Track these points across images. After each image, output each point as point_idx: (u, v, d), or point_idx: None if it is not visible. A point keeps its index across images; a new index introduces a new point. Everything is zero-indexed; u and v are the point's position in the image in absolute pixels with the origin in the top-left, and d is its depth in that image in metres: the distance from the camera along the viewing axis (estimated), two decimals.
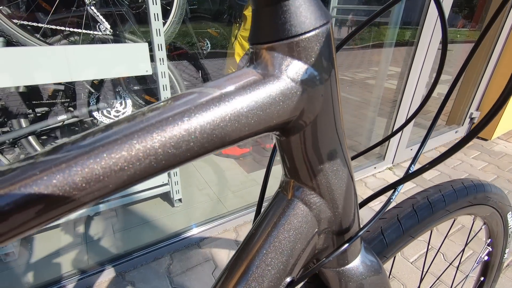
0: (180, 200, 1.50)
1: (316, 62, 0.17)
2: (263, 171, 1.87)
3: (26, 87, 1.20)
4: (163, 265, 1.16)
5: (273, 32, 0.16)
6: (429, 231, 0.38)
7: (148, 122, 0.15)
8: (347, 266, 0.27)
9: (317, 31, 0.16)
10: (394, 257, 0.33)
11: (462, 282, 0.94)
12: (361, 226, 0.25)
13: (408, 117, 0.31)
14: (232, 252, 1.23)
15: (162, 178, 1.42)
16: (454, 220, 0.44)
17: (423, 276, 0.51)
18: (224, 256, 1.21)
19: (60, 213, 0.14)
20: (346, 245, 0.24)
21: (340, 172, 0.22)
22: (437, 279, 0.89)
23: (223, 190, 1.65)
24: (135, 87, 1.71)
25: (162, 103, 0.16)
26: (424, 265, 0.55)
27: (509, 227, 0.55)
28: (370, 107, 2.24)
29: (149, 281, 1.09)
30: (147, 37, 1.87)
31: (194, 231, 1.30)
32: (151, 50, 1.15)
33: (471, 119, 2.44)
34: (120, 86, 1.37)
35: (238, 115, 0.16)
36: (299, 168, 0.21)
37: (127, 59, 1.13)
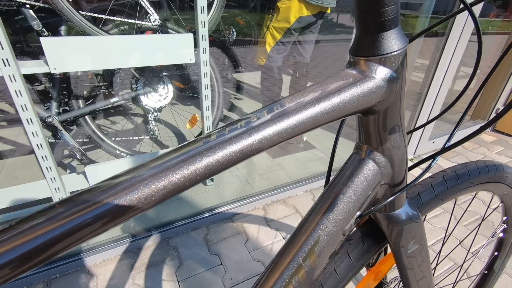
0: (212, 179, 1.63)
1: (396, 69, 0.26)
2: (287, 156, 1.97)
3: (84, 72, 1.34)
4: (201, 234, 1.30)
5: (371, 51, 0.26)
6: (454, 199, 0.47)
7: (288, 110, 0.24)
8: (394, 212, 0.37)
9: (398, 52, 0.26)
10: (425, 217, 0.43)
11: (479, 252, 1.03)
12: (408, 183, 0.35)
13: (445, 108, 0.38)
14: (262, 227, 1.36)
15: None
16: (475, 195, 0.53)
17: (445, 240, 0.61)
18: (254, 230, 1.34)
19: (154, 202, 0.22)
20: (398, 193, 0.34)
21: (399, 143, 0.32)
22: (460, 243, 0.97)
23: (250, 173, 1.77)
24: (170, 74, 1.83)
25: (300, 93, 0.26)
26: (446, 230, 0.63)
27: None
28: None
29: (190, 247, 1.24)
30: (191, 27, 1.98)
31: (227, 207, 1.43)
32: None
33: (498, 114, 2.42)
34: (162, 72, 1.50)
35: (343, 101, 0.26)
36: (372, 137, 0.31)
37: (174, 48, 1.24)
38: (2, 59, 0.96)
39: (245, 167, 1.82)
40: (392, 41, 0.25)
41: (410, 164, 0.38)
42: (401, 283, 0.50)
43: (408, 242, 0.38)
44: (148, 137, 1.54)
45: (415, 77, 2.67)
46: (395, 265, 0.44)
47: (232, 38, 3.13)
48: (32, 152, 1.89)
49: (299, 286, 0.33)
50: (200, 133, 1.61)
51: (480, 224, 0.66)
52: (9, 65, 0.97)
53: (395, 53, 0.26)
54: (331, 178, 0.37)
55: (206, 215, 1.38)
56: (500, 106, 2.36)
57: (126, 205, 0.21)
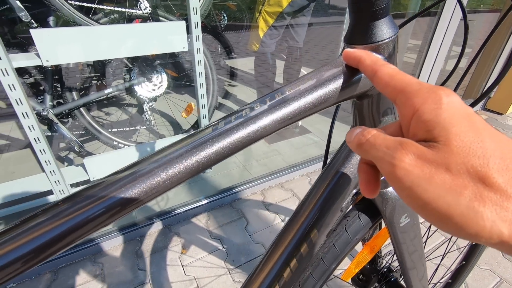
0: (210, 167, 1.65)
1: (387, 55, 0.28)
2: (283, 141, 2.00)
3: (75, 63, 1.32)
4: (202, 220, 1.34)
5: (364, 39, 0.27)
6: None
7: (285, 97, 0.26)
8: (388, 189, 0.39)
9: (390, 39, 0.27)
10: None
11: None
12: None
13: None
14: (261, 211, 1.40)
15: None
16: None
17: None
18: (254, 214, 1.38)
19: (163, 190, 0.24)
20: None
21: (393, 120, 0.34)
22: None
23: (247, 159, 1.80)
24: (163, 62, 1.81)
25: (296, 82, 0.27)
26: None
27: None
28: None
29: (192, 233, 1.27)
30: (181, 13, 1.93)
31: (226, 193, 1.46)
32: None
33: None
34: (155, 62, 1.48)
35: (338, 87, 0.27)
36: (366, 120, 0.33)
37: (166, 36, 1.23)
38: None
39: (242, 154, 1.84)
40: (384, 30, 0.27)
41: None
42: (394, 256, 0.54)
43: (400, 216, 0.41)
44: (144, 127, 1.54)
45: (408, 58, 2.68)
46: (389, 239, 0.48)
47: (223, 24, 3.07)
48: (27, 146, 1.88)
49: (301, 261, 0.36)
50: (196, 122, 1.62)
51: None
52: (1, 59, 0.96)
53: (387, 40, 0.27)
54: (328, 160, 0.39)
55: (206, 201, 1.41)
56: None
57: (131, 197, 0.23)
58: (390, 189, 0.39)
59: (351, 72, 0.28)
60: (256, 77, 3.07)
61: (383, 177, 0.36)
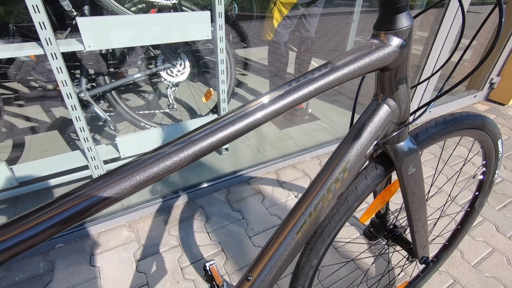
0: (226, 149, 1.78)
1: (405, 39, 0.40)
2: (293, 127, 2.12)
3: (107, 50, 1.44)
4: (223, 195, 1.47)
5: (389, 27, 0.39)
6: (444, 140, 0.62)
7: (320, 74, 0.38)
8: (399, 144, 0.51)
9: (407, 27, 0.39)
10: (421, 152, 0.57)
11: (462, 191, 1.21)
12: (409, 122, 0.49)
13: (433, 71, 0.50)
14: (276, 188, 1.53)
15: None
16: (460, 139, 0.68)
17: (435, 176, 0.76)
18: (269, 190, 1.51)
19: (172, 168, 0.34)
20: (403, 128, 0.48)
21: (405, 92, 0.45)
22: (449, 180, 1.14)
23: (261, 142, 1.92)
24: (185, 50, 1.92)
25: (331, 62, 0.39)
26: (436, 170, 0.79)
27: (499, 152, 0.78)
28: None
29: (214, 205, 1.41)
30: (201, 3, 2.03)
31: (242, 172, 1.59)
32: None
33: (491, 84, 2.54)
34: (179, 49, 1.59)
35: (369, 61, 0.39)
36: (386, 88, 0.45)
37: (193, 25, 1.33)
38: (45, 38, 1.06)
39: (255, 138, 1.96)
40: (404, 20, 0.38)
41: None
42: (399, 216, 0.66)
43: (408, 166, 0.53)
44: (168, 110, 1.66)
45: (414, 50, 2.76)
46: (398, 191, 0.60)
47: (235, 14, 3.15)
48: (54, 128, 2.01)
49: (333, 196, 0.49)
50: (215, 106, 1.73)
51: (464, 164, 0.81)
52: (51, 44, 1.08)
53: (405, 28, 0.39)
54: (354, 120, 0.51)
55: (225, 179, 1.54)
56: (493, 76, 2.49)
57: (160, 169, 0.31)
58: (402, 143, 0.51)
59: (378, 50, 0.40)
60: (269, 67, 3.16)
61: (397, 132, 0.48)
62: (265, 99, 0.35)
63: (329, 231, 0.56)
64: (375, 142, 0.47)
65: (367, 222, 0.68)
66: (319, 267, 0.57)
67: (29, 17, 1.02)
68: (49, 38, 1.07)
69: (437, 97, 0.48)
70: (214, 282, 0.66)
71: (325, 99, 2.55)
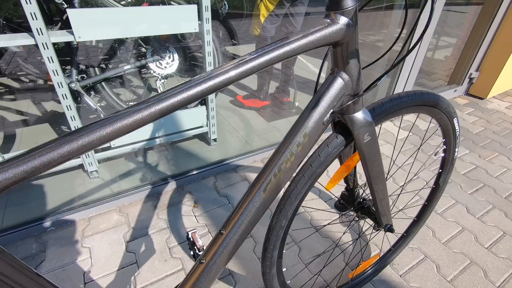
0: (215, 140, 1.84)
1: (351, 18, 0.47)
2: (281, 120, 2.19)
3: (98, 41, 1.48)
4: (210, 182, 1.53)
5: (337, 6, 0.45)
6: (400, 116, 0.69)
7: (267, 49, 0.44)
8: (355, 114, 0.58)
9: (352, 7, 0.46)
10: (380, 125, 0.64)
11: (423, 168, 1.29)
12: (360, 93, 0.56)
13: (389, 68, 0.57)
14: None
15: (201, 120, 1.74)
16: (418, 116, 0.75)
17: (393, 159, 0.84)
18: (255, 177, 1.57)
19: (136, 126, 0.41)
20: (355, 98, 0.55)
21: (357, 67, 0.52)
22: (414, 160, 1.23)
23: (249, 134, 1.98)
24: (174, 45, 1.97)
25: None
26: (394, 145, 0.86)
27: (456, 131, 0.86)
28: (377, 68, 2.48)
29: (202, 191, 1.47)
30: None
31: (230, 161, 1.65)
32: None
33: (470, 79, 2.66)
34: (168, 42, 1.65)
35: (321, 35, 0.46)
36: (339, 62, 0.51)
37: (181, 18, 1.39)
38: (36, 29, 1.11)
39: (243, 130, 2.02)
40: (348, 1, 0.45)
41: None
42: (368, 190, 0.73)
43: (364, 135, 0.60)
44: None
45: (397, 47, 2.85)
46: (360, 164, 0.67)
47: (225, 11, 3.21)
48: (45, 121, 2.04)
49: (296, 159, 0.55)
50: (204, 98, 1.79)
51: (422, 143, 0.89)
52: (42, 34, 1.12)
53: (350, 8, 0.46)
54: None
55: (213, 167, 1.60)
56: (472, 71, 2.60)
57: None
58: (358, 114, 0.58)
59: (329, 27, 0.47)
60: None
61: (351, 101, 0.55)
62: (227, 67, 0.42)
63: (296, 194, 0.62)
64: (331, 110, 0.54)
65: (333, 191, 0.75)
66: (289, 229, 0.63)
67: (18, 13, 1.06)
68: (40, 29, 1.11)
69: (385, 73, 0.55)
70: (195, 247, 0.72)
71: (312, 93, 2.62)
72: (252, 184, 0.57)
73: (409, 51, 0.52)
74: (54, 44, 1.17)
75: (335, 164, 1.46)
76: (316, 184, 1.52)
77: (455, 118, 0.82)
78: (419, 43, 0.51)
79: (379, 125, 0.64)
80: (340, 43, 0.49)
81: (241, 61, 0.42)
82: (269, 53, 0.43)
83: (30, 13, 1.07)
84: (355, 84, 0.54)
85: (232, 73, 0.41)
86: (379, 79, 0.57)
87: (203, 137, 1.88)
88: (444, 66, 3.16)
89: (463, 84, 2.67)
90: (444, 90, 2.60)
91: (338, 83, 0.53)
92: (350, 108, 0.57)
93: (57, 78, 1.22)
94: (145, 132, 1.56)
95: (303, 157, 0.56)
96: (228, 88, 2.70)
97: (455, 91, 2.67)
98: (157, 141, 1.63)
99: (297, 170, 0.61)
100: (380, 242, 1.25)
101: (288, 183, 0.62)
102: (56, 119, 2.05)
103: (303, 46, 0.45)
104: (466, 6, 5.32)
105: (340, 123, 0.62)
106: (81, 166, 1.56)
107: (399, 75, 2.10)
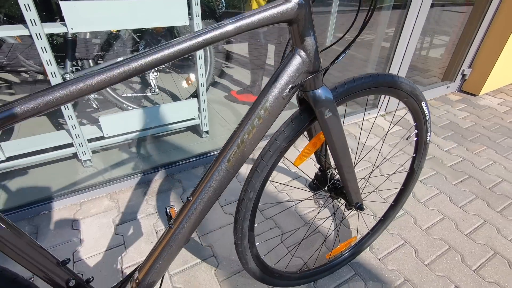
0: (207, 132, 1.89)
1: None
2: None
3: (91, 33, 1.53)
4: (200, 171, 1.58)
5: None
6: (366, 96, 0.73)
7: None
8: (316, 90, 0.62)
9: None
10: (346, 105, 0.68)
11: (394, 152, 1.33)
12: (318, 71, 0.60)
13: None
14: (249, 166, 1.64)
15: (193, 113, 1.78)
16: (380, 97, 0.78)
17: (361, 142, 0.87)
18: (243, 168, 1.61)
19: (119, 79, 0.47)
20: (313, 74, 0.59)
21: (314, 45, 0.56)
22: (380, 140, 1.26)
23: None
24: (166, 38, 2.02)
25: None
26: (361, 126, 0.89)
27: (426, 114, 0.89)
28: (370, 64, 2.51)
29: (191, 179, 1.51)
30: None
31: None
32: None
33: (463, 75, 2.68)
34: (160, 36, 1.70)
35: (276, 12, 0.50)
36: (296, 39, 0.55)
37: (170, 11, 1.43)
38: (30, 20, 1.16)
39: (236, 123, 2.07)
40: None
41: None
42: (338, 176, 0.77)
43: (325, 111, 0.64)
44: (150, 94, 1.76)
45: (384, 43, 2.89)
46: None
47: (222, 9, 3.26)
48: (42, 114, 2.10)
49: (258, 131, 0.59)
50: (195, 91, 1.84)
51: (389, 128, 0.93)
52: (36, 25, 1.18)
53: None
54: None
55: (204, 157, 1.64)
56: (465, 68, 2.62)
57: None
58: (318, 91, 0.62)
59: (283, 5, 0.51)
60: (251, 60, 3.27)
61: (309, 77, 0.59)
62: (180, 39, 0.46)
63: (262, 166, 0.67)
64: (290, 85, 0.58)
65: (301, 167, 0.79)
66: (259, 203, 0.66)
67: (9, 11, 1.11)
68: (34, 19, 1.16)
69: (344, 51, 0.59)
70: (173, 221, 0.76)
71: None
72: (218, 154, 0.61)
73: (363, 25, 0.56)
74: (52, 40, 1.23)
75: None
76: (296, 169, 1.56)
77: (423, 102, 0.85)
78: (368, 18, 0.55)
79: (345, 104, 0.68)
80: (294, 20, 0.53)
81: (198, 33, 0.46)
82: (223, 27, 0.47)
83: (24, 4, 1.12)
84: (312, 61, 0.58)
85: (186, 44, 0.46)
86: (337, 57, 0.61)
87: (196, 130, 1.93)
88: (439, 64, 3.18)
89: (455, 80, 2.69)
90: (437, 87, 2.63)
91: (296, 59, 0.57)
92: (310, 84, 0.61)
93: (51, 68, 1.28)
94: (138, 122, 1.61)
95: (265, 129, 0.60)
96: (222, 83, 2.74)
97: (447, 87, 2.69)
98: (150, 132, 1.68)
99: (265, 145, 0.65)
100: (359, 226, 1.28)
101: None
102: (53, 111, 2.11)
103: (256, 22, 0.49)
104: (461, 7, 5.34)
105: (305, 101, 0.66)
106: (75, 156, 1.61)
107: (388, 70, 2.13)
